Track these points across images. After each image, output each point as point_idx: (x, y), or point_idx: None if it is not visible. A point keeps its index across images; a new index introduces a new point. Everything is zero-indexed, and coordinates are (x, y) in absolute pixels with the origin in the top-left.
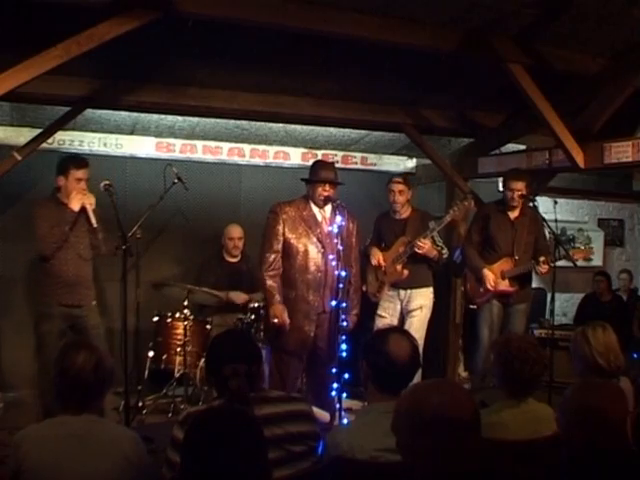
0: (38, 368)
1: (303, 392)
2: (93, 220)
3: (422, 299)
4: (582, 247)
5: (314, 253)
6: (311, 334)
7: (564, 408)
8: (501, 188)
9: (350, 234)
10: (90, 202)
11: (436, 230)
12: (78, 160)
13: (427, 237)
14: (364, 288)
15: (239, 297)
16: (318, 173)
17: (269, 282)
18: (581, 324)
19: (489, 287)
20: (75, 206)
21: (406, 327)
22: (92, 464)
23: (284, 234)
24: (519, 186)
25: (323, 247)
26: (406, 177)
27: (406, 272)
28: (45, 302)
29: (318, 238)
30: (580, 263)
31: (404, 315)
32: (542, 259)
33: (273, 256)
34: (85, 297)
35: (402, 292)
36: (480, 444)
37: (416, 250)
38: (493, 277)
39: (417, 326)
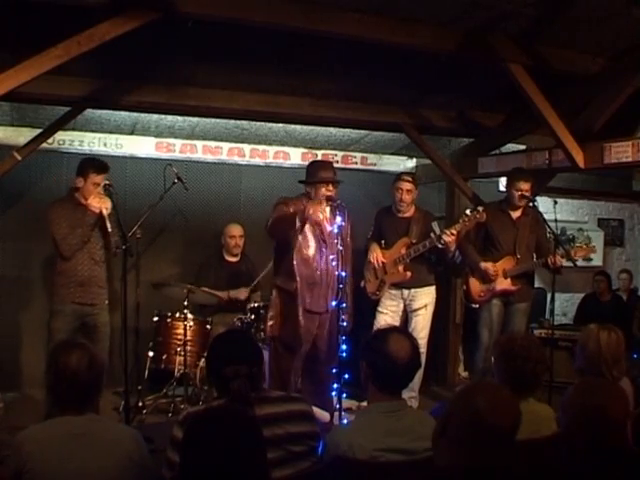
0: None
1: (303, 392)
2: (108, 224)
3: (426, 298)
4: (583, 245)
5: (316, 253)
6: (313, 332)
7: (566, 407)
8: (502, 188)
9: (346, 235)
10: (106, 207)
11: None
12: (99, 165)
13: (456, 227)
14: (362, 284)
15: (240, 293)
16: (319, 174)
17: None
18: (581, 324)
19: (492, 277)
20: (96, 209)
21: (411, 326)
22: (95, 463)
23: None
24: (526, 187)
25: (325, 247)
26: (414, 176)
27: (409, 274)
28: (58, 300)
29: (320, 238)
30: (580, 263)
31: (408, 314)
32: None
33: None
34: (97, 296)
35: (405, 291)
36: (514, 447)
37: (445, 238)
38: (492, 265)
39: (423, 324)
